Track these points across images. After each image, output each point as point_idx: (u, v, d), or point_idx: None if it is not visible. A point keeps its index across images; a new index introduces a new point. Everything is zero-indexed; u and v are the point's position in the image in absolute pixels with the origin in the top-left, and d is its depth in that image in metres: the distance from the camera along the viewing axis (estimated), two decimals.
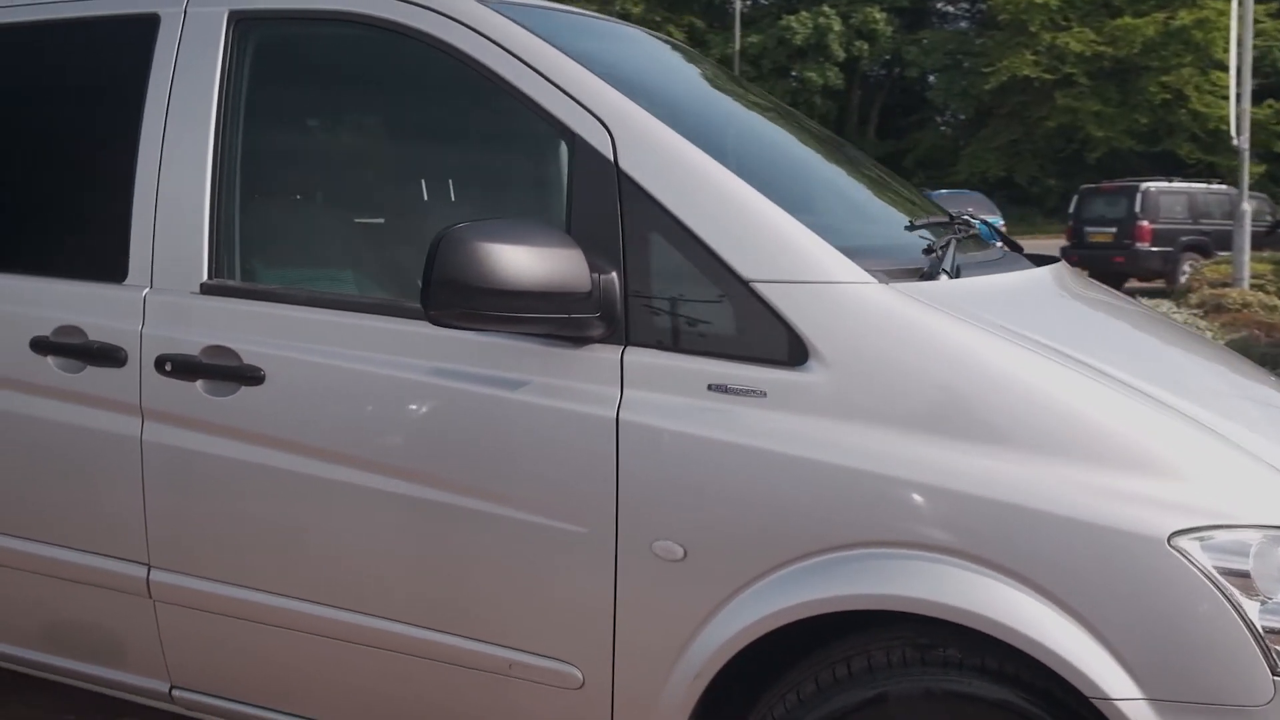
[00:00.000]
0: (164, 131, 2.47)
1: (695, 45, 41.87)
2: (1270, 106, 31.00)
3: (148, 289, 2.46)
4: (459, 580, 2.21)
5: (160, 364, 2.41)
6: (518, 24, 2.26)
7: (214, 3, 2.50)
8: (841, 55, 39.32)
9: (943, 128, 43.59)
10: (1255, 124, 17.25)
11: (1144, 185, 17.69)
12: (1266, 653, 1.72)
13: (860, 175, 2.96)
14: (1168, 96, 33.72)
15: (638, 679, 2.08)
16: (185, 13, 2.51)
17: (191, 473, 2.42)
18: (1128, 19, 34.34)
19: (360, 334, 2.25)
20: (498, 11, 2.28)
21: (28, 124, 2.72)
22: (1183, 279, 15.90)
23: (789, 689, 1.98)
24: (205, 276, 2.42)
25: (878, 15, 39.02)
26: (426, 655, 2.26)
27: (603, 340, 2.07)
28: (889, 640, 1.93)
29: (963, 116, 42.18)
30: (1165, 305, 12.14)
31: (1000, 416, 1.86)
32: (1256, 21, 16.51)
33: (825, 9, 38.80)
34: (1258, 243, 15.13)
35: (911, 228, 2.39)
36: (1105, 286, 3.09)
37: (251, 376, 2.33)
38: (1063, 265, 2.85)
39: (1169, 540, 1.74)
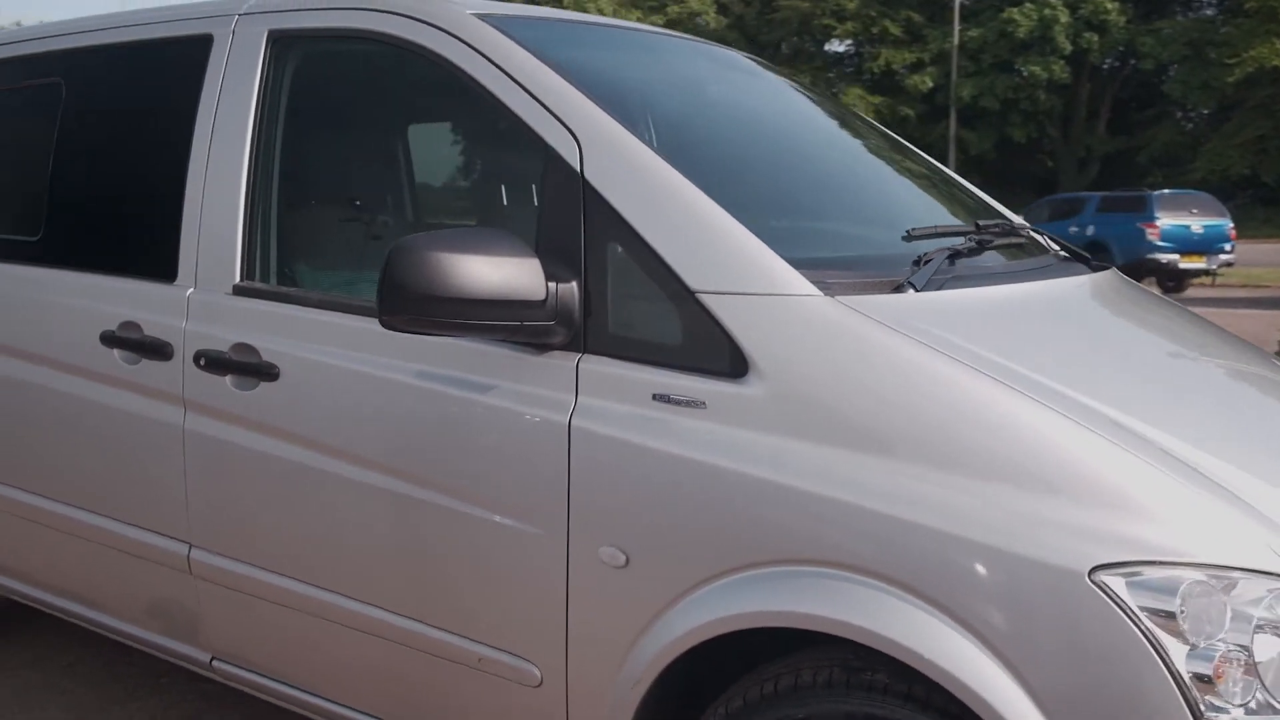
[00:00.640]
0: (210, 142, 2.66)
1: (912, 40, 41.10)
2: None
3: (192, 288, 2.66)
4: (437, 574, 2.29)
5: (197, 359, 2.60)
6: (510, 38, 2.32)
7: (256, 23, 2.68)
8: (1068, 48, 37.49)
9: (1184, 123, 40.89)
10: None
11: None
12: (1190, 702, 1.59)
13: (905, 183, 2.87)
14: None
15: (588, 682, 2.11)
16: (233, 33, 2.70)
17: (223, 461, 2.60)
18: None
19: (356, 335, 2.36)
20: (494, 26, 2.35)
21: (103, 136, 2.99)
22: None
23: (722, 704, 1.97)
24: (237, 278, 2.60)
25: (1109, 5, 36.94)
26: (412, 645, 2.36)
27: (563, 347, 2.11)
28: (821, 661, 1.89)
29: (1204, 111, 39.47)
30: None
31: (928, 437, 1.79)
32: None
33: (1051, 0, 37.09)
34: None
35: (910, 238, 2.31)
36: (1159, 297, 2.89)
37: (268, 373, 2.49)
38: (1109, 275, 2.69)
39: (1090, 574, 1.64)
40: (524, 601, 2.17)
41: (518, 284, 2.03)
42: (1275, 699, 1.62)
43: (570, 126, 2.16)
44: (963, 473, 1.75)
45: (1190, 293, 17.60)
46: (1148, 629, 1.61)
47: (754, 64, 3.16)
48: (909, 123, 40.57)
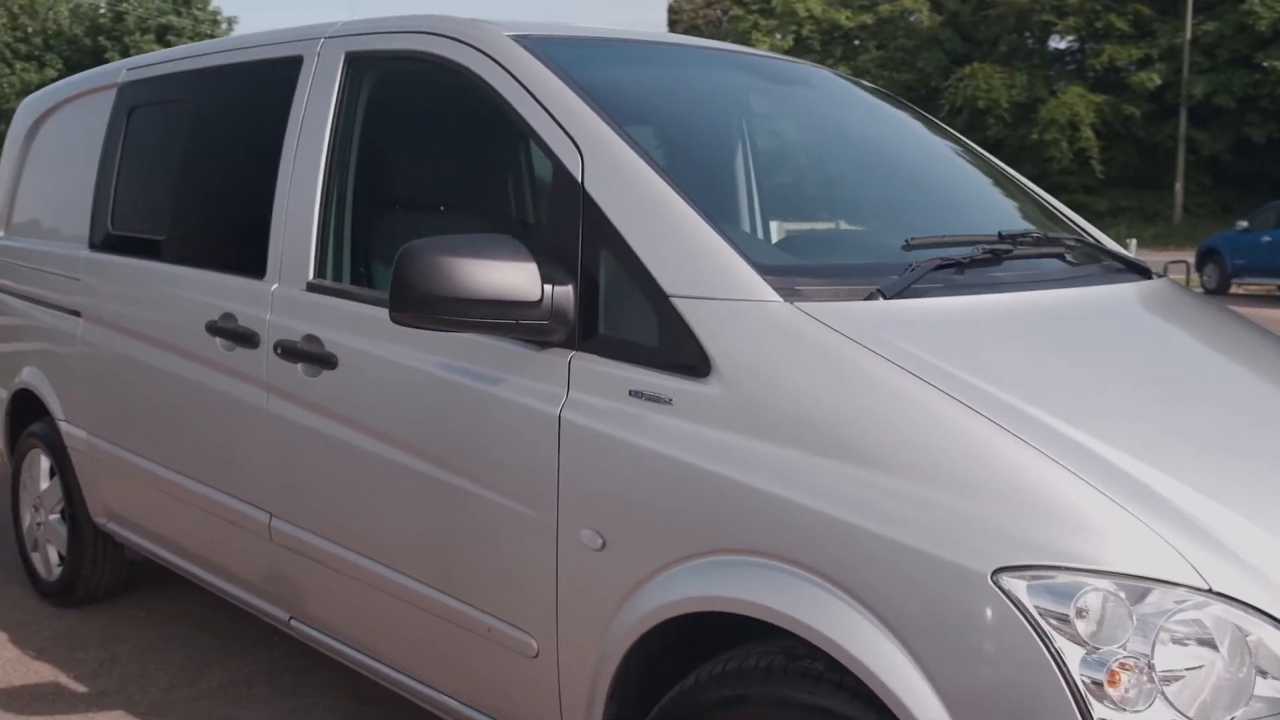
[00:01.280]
0: (295, 151, 2.96)
1: (1139, 36, 38.94)
2: None
3: (276, 284, 2.97)
4: (455, 549, 2.50)
5: (276, 348, 2.91)
6: (536, 57, 2.50)
7: (337, 46, 2.96)
8: None
9: None
10: None
11: None
12: (1082, 705, 1.62)
13: (950, 188, 2.90)
14: None
15: (574, 655, 2.27)
16: (319, 54, 3.00)
17: (293, 439, 2.90)
18: None
19: (396, 330, 2.58)
20: (525, 46, 2.54)
21: (215, 147, 3.35)
22: None
23: (681, 681, 2.09)
24: (310, 275, 2.88)
25: None
26: (436, 613, 2.57)
27: (559, 344, 2.28)
28: (768, 647, 1.99)
29: None
30: None
31: (862, 440, 1.86)
32: None
33: None
34: None
35: (909, 247, 2.36)
36: (1214, 309, 2.80)
37: (329, 362, 2.76)
38: (1157, 284, 2.65)
39: (992, 576, 1.68)
40: (524, 578, 2.34)
41: (514, 286, 2.21)
42: (1179, 709, 1.62)
43: (575, 139, 2.33)
44: (892, 474, 1.82)
45: None
46: (1044, 632, 1.64)
47: (812, 73, 3.23)
48: (1133, 122, 38.60)
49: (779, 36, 47.45)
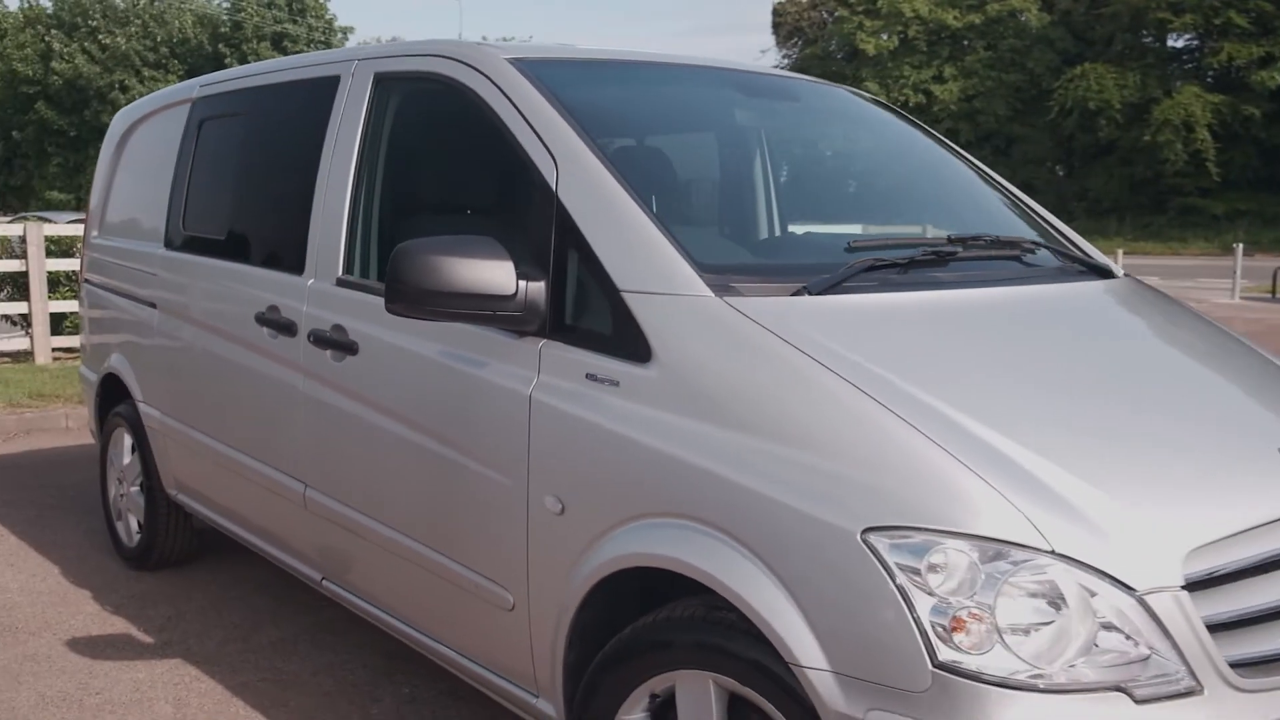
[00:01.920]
0: (331, 160, 3.33)
1: (1261, 33, 37.56)
2: None
3: (312, 279, 3.34)
4: (449, 514, 2.82)
5: (310, 336, 3.27)
6: (527, 77, 2.80)
7: (368, 67, 3.32)
8: None
9: None
10: None
11: None
12: (929, 647, 1.86)
13: (928, 193, 3.13)
14: None
15: (542, 607, 2.57)
16: (353, 74, 3.36)
17: (323, 417, 3.26)
18: None
19: (404, 320, 2.92)
20: (518, 68, 2.84)
21: (267, 156, 3.74)
22: None
23: (620, 633, 2.37)
24: (340, 272, 3.24)
25: None
26: (435, 572, 2.89)
27: (534, 333, 2.58)
28: (692, 601, 2.26)
29: None
30: None
31: (767, 417, 2.12)
32: None
33: None
34: None
35: (850, 249, 2.60)
36: (1172, 307, 2.98)
37: (352, 349, 3.11)
38: (1116, 283, 2.86)
39: (861, 535, 1.93)
40: (502, 539, 2.65)
41: (492, 281, 2.51)
42: (1018, 654, 1.85)
43: (553, 152, 2.63)
44: (787, 445, 2.08)
45: None
46: (901, 584, 1.89)
47: (798, 86, 3.48)
48: (1253, 123, 37.41)
49: (884, 37, 47.10)
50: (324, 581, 3.48)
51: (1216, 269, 24.23)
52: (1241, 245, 20.77)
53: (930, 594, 1.88)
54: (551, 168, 2.61)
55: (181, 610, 4.22)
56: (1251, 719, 1.93)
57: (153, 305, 4.33)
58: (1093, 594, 1.88)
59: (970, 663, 1.85)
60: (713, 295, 2.32)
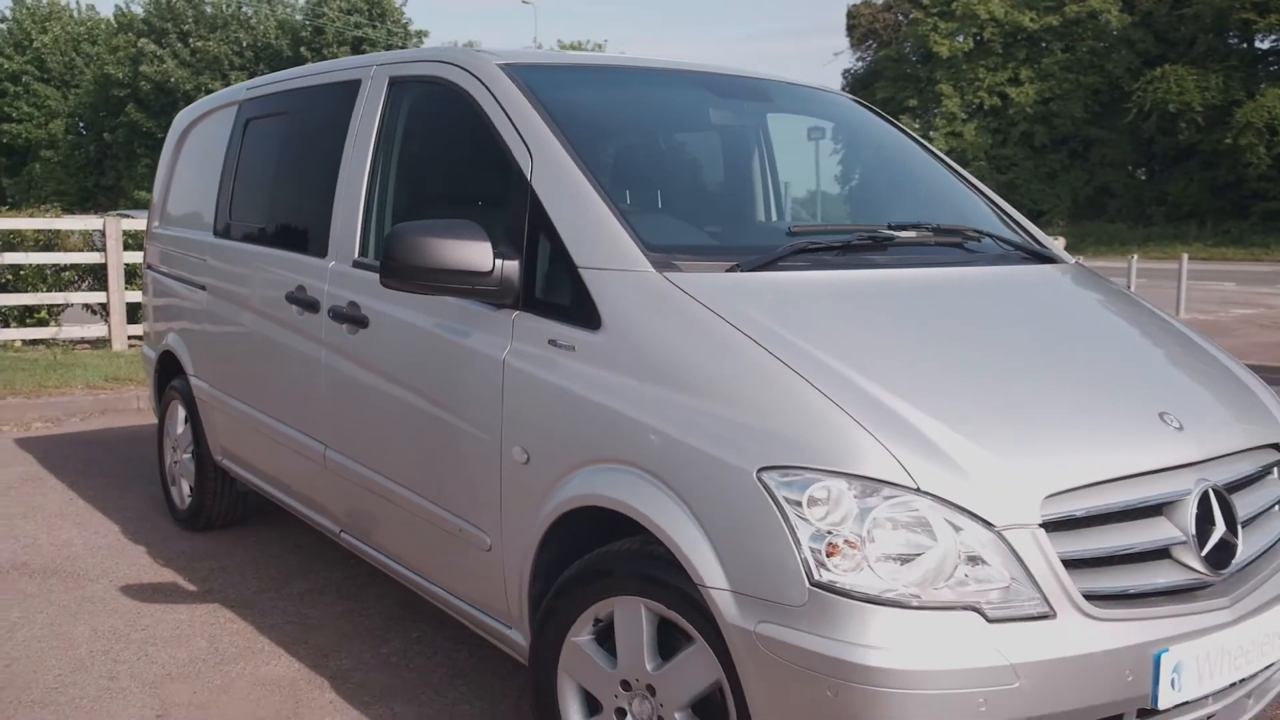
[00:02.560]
0: (351, 155, 3.72)
1: None
2: None
3: (334, 262, 3.73)
4: (439, 466, 3.18)
5: (330, 312, 3.66)
6: (513, 80, 3.16)
7: (385, 71, 3.70)
8: None
9: None
10: None
11: None
12: (808, 569, 2.17)
13: (888, 186, 3.42)
14: None
15: (512, 547, 2.91)
16: (371, 77, 3.74)
17: (340, 384, 3.65)
18: None
19: (406, 295, 3.28)
20: (507, 72, 3.20)
21: (301, 152, 4.14)
22: None
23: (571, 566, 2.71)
24: (356, 254, 3.62)
25: None
26: (428, 520, 3.26)
27: (509, 306, 2.93)
28: (633, 537, 2.59)
29: None
30: None
31: (692, 374, 2.45)
32: None
33: None
34: None
35: (791, 234, 2.91)
36: (1111, 293, 3.23)
37: (363, 323, 3.49)
38: (1052, 267, 3.13)
39: (756, 473, 2.25)
40: (481, 488, 3.00)
41: (471, 259, 2.87)
42: (883, 576, 2.15)
43: (530, 146, 2.97)
44: (704, 398, 2.40)
45: None
46: (787, 515, 2.20)
47: (777, 87, 3.78)
48: None
49: (959, 39, 46.79)
50: (341, 534, 3.87)
51: None
52: None
53: (810, 524, 2.19)
54: (528, 159, 2.96)
55: (224, 564, 4.66)
56: (1102, 643, 2.20)
57: (203, 288, 4.77)
58: (958, 529, 2.17)
59: (842, 581, 2.15)
60: (654, 271, 2.65)
